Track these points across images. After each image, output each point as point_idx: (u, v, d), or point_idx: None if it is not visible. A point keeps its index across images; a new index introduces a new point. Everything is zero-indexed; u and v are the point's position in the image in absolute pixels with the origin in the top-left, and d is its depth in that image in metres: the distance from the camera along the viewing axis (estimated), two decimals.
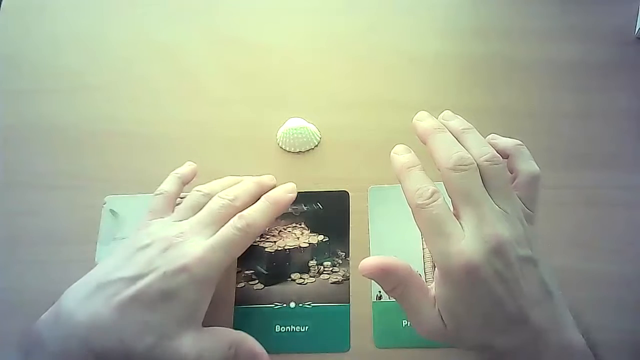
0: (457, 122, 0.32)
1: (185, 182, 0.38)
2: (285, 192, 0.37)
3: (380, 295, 0.36)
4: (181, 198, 0.37)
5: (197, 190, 0.36)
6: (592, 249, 0.36)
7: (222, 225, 0.34)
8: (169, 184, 0.37)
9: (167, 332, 0.30)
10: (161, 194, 0.36)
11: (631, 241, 0.36)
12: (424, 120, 0.31)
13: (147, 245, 0.32)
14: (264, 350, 0.33)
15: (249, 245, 0.34)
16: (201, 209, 0.35)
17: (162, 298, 0.30)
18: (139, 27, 0.48)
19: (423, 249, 0.37)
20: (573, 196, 0.38)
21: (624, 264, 0.36)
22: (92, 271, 0.32)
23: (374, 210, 0.39)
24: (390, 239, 0.38)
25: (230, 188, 0.37)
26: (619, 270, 0.36)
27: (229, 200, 0.35)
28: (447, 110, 0.33)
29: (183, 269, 0.31)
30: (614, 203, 0.38)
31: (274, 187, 0.39)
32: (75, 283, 0.32)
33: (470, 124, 0.31)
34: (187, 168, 0.39)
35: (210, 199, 0.36)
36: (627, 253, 0.36)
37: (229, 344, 0.32)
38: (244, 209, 0.36)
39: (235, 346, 0.32)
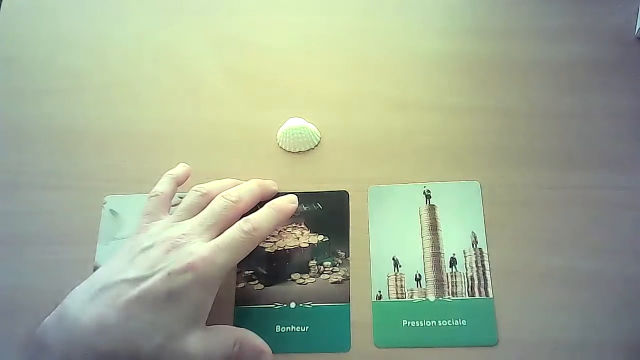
0: None
1: (179, 183, 0.38)
2: (289, 201, 0.38)
3: (380, 295, 0.36)
4: (180, 198, 0.37)
5: (195, 190, 0.36)
6: (592, 249, 0.36)
7: (225, 227, 0.34)
8: (163, 185, 0.37)
9: (174, 332, 0.30)
10: (156, 195, 0.36)
11: (631, 241, 0.36)
12: None
13: (150, 247, 0.32)
14: (268, 347, 0.33)
15: (252, 250, 0.34)
16: (199, 209, 0.35)
17: (167, 298, 0.30)
18: (139, 27, 0.48)
19: (423, 248, 0.37)
20: (573, 196, 0.38)
21: (624, 264, 0.36)
22: (94, 274, 0.32)
23: (374, 210, 0.39)
24: (390, 239, 0.38)
25: (234, 188, 0.37)
26: (619, 270, 0.36)
27: (232, 201, 0.35)
28: None
29: (188, 268, 0.30)
30: (614, 203, 0.37)
31: (276, 192, 0.39)
32: (78, 286, 0.32)
33: None
34: (180, 169, 0.39)
35: (208, 199, 0.36)
36: (628, 253, 0.36)
37: (234, 341, 0.32)
38: (246, 211, 0.36)
39: (240, 343, 0.32)
